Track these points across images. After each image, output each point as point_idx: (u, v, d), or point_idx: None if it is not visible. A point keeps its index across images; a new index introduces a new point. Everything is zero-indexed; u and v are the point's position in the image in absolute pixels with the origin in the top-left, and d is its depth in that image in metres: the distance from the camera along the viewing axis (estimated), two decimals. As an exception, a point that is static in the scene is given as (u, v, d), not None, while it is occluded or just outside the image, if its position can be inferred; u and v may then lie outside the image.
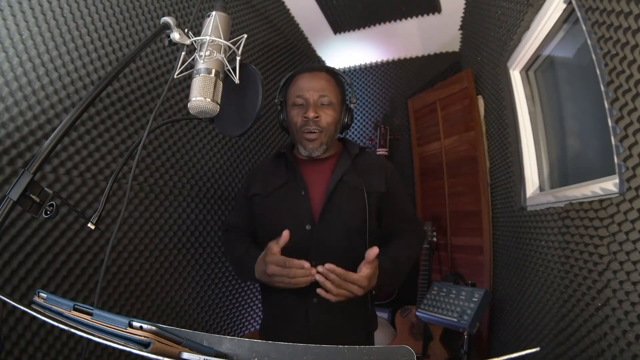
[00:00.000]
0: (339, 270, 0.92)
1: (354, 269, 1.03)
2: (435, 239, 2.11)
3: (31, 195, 0.54)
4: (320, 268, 0.92)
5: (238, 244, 1.18)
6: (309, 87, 1.12)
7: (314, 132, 1.11)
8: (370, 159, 1.23)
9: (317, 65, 1.11)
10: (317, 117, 1.10)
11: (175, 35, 0.71)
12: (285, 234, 0.97)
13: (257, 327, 1.87)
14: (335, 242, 1.08)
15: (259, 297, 1.83)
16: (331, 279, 0.92)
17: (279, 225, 1.09)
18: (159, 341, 0.36)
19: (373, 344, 1.20)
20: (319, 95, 1.11)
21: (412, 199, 2.54)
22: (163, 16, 0.86)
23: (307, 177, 1.15)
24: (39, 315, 0.43)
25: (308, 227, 1.08)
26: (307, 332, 1.07)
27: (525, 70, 1.63)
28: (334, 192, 1.10)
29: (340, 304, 0.96)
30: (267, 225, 1.16)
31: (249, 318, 1.82)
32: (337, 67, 2.79)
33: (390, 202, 1.17)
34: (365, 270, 0.94)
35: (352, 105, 1.20)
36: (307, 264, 0.93)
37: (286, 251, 1.07)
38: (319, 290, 0.93)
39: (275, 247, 0.97)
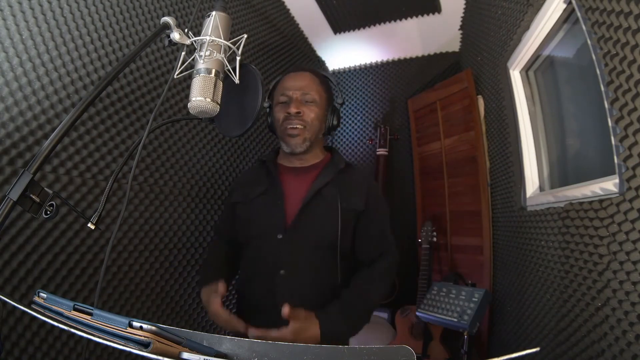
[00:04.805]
0: (271, 335, 0.90)
1: (324, 283, 1.06)
2: (435, 239, 2.11)
3: (31, 195, 0.54)
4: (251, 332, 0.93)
5: (210, 270, 1.18)
6: (292, 86, 1.15)
7: (297, 128, 1.11)
8: (354, 175, 1.20)
9: (302, 66, 1.13)
10: (299, 112, 1.11)
11: (175, 35, 0.71)
12: (222, 288, 0.99)
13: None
14: (305, 255, 1.07)
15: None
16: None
17: (254, 232, 1.12)
18: (159, 341, 0.36)
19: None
20: (302, 92, 1.13)
21: (392, 220, 2.53)
22: (163, 16, 0.86)
23: (286, 186, 1.15)
24: (39, 315, 0.43)
25: (279, 236, 1.07)
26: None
27: (525, 70, 1.63)
28: (309, 204, 1.09)
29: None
30: (246, 232, 1.16)
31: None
32: (337, 67, 2.79)
33: (365, 220, 1.13)
34: (290, 326, 0.91)
35: (337, 105, 1.20)
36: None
37: (257, 259, 1.11)
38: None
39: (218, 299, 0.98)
